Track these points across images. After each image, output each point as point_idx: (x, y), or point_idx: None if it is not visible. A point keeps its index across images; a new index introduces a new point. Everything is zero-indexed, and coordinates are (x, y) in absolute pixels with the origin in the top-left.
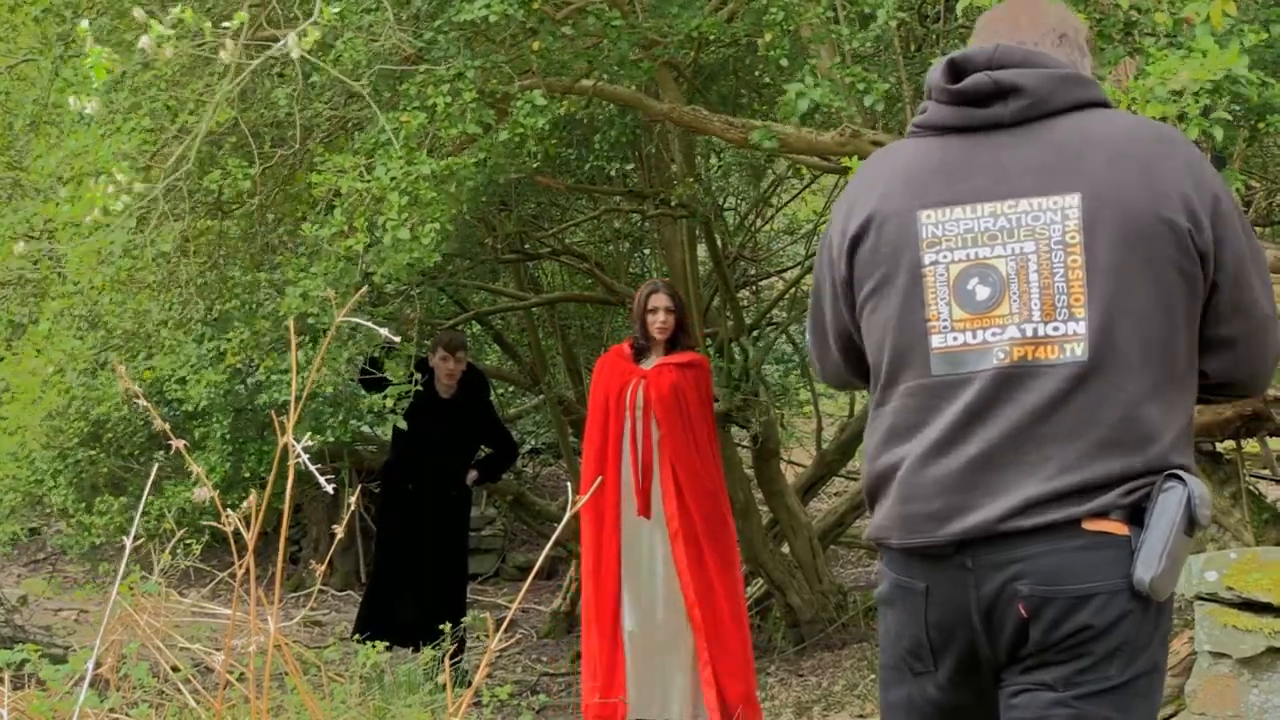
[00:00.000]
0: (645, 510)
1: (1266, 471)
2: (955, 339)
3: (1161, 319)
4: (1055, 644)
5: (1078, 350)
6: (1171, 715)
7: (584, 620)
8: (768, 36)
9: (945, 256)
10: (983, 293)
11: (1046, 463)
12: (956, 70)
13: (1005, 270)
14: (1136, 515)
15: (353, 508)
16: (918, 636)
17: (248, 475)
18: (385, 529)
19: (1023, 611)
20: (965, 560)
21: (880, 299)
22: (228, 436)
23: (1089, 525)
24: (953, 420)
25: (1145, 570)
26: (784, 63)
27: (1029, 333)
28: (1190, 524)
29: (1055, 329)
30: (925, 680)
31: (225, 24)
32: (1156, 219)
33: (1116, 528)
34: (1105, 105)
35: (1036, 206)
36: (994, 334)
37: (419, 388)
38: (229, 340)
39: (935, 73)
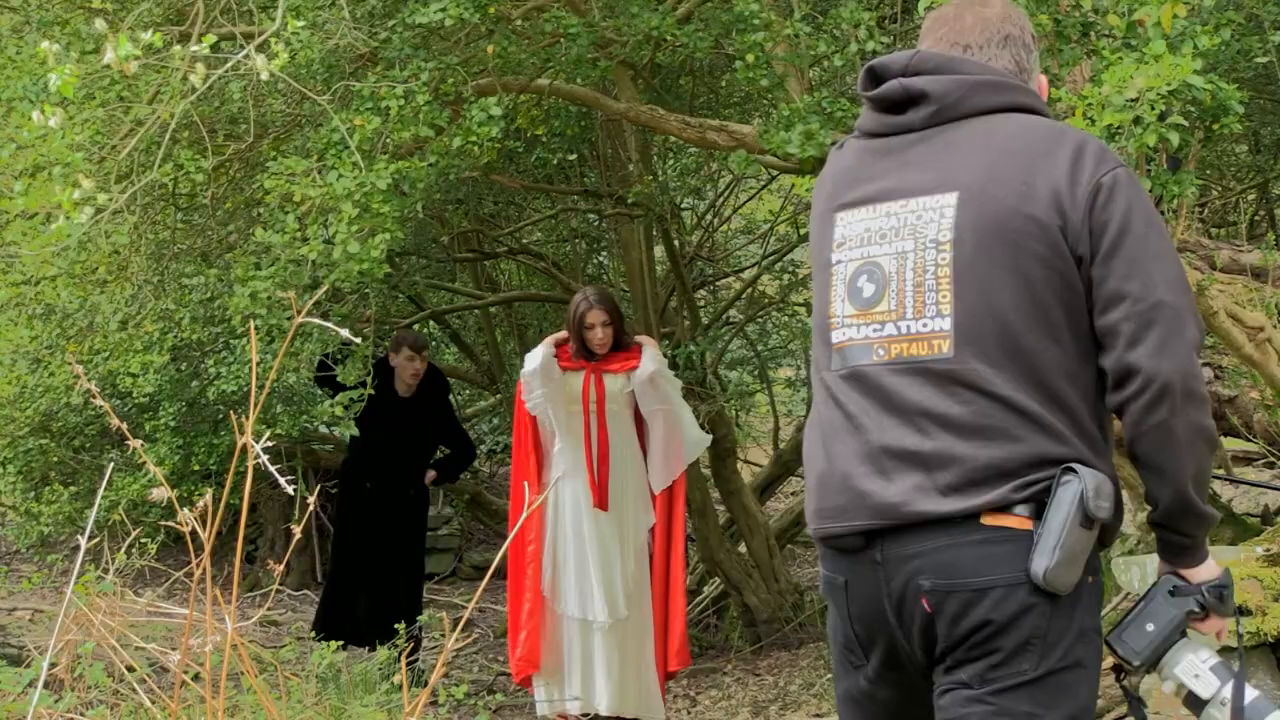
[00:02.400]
0: (603, 504)
1: (1221, 471)
2: (844, 335)
3: (1029, 314)
4: (963, 640)
5: (944, 348)
6: (1124, 715)
7: (524, 596)
8: (750, 58)
9: (846, 255)
10: (868, 289)
11: (934, 455)
12: (876, 77)
13: (888, 268)
14: (1043, 510)
15: (311, 507)
16: (846, 631)
17: (197, 468)
18: (343, 528)
19: (926, 605)
20: (875, 554)
21: (814, 295)
22: (176, 427)
23: (988, 520)
24: (848, 414)
25: (1040, 562)
26: (764, 83)
27: (904, 330)
28: (1085, 517)
29: (924, 325)
30: (860, 674)
31: (194, 48)
32: (1021, 216)
33: (1020, 523)
34: (1026, 110)
35: (920, 206)
36: (875, 330)
37: (372, 390)
38: (170, 333)
39: (860, 79)
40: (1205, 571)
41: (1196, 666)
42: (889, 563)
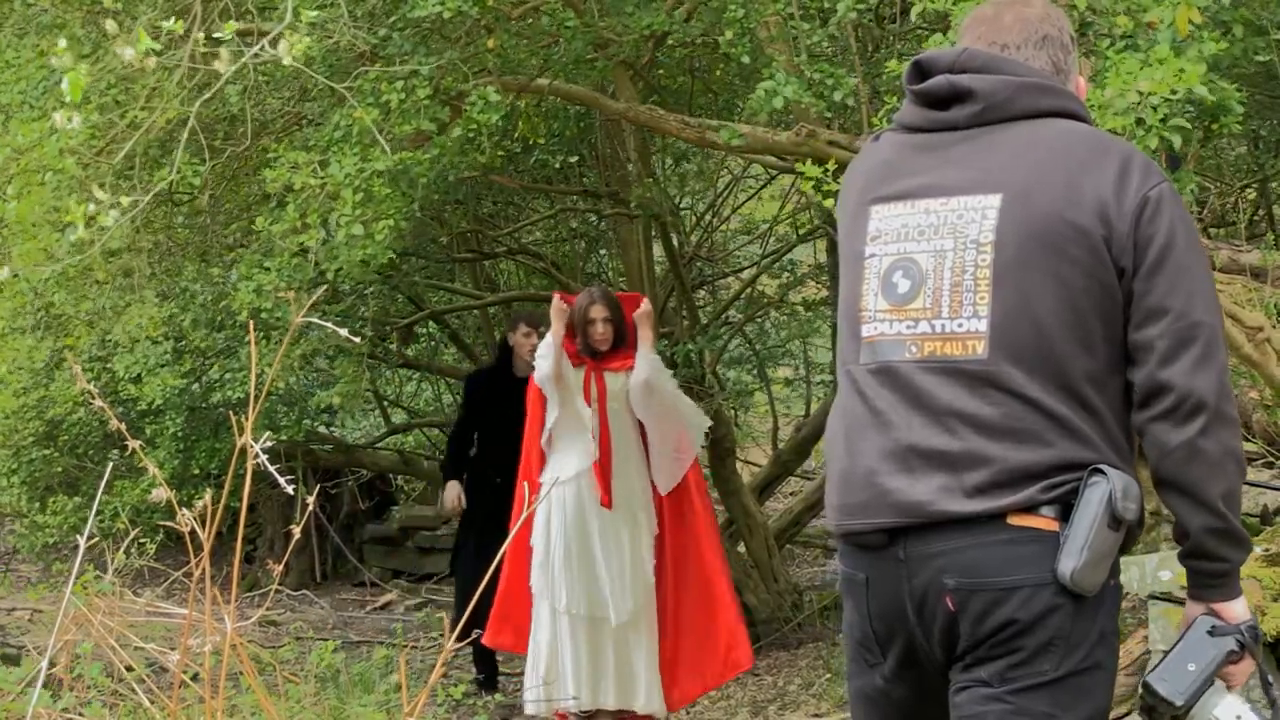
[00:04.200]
0: (608, 501)
1: None
2: (875, 329)
3: (1065, 321)
4: (985, 639)
5: (978, 349)
6: (1125, 715)
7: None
8: (728, 34)
9: (881, 249)
10: (903, 285)
11: (962, 456)
12: (922, 71)
13: (925, 266)
14: (1068, 511)
15: (310, 507)
16: (864, 628)
17: (197, 472)
18: (471, 523)
19: (949, 604)
20: (898, 552)
21: (841, 286)
22: (179, 434)
23: (1015, 520)
24: (875, 410)
25: (1067, 563)
26: (746, 60)
27: (938, 328)
28: (1113, 518)
29: (960, 325)
30: (875, 672)
31: (217, 35)
32: (1064, 222)
33: (1046, 523)
34: (1070, 115)
35: (962, 205)
36: (908, 327)
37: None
38: (180, 318)
39: (905, 72)
40: (1241, 608)
41: (1238, 708)
42: (912, 560)
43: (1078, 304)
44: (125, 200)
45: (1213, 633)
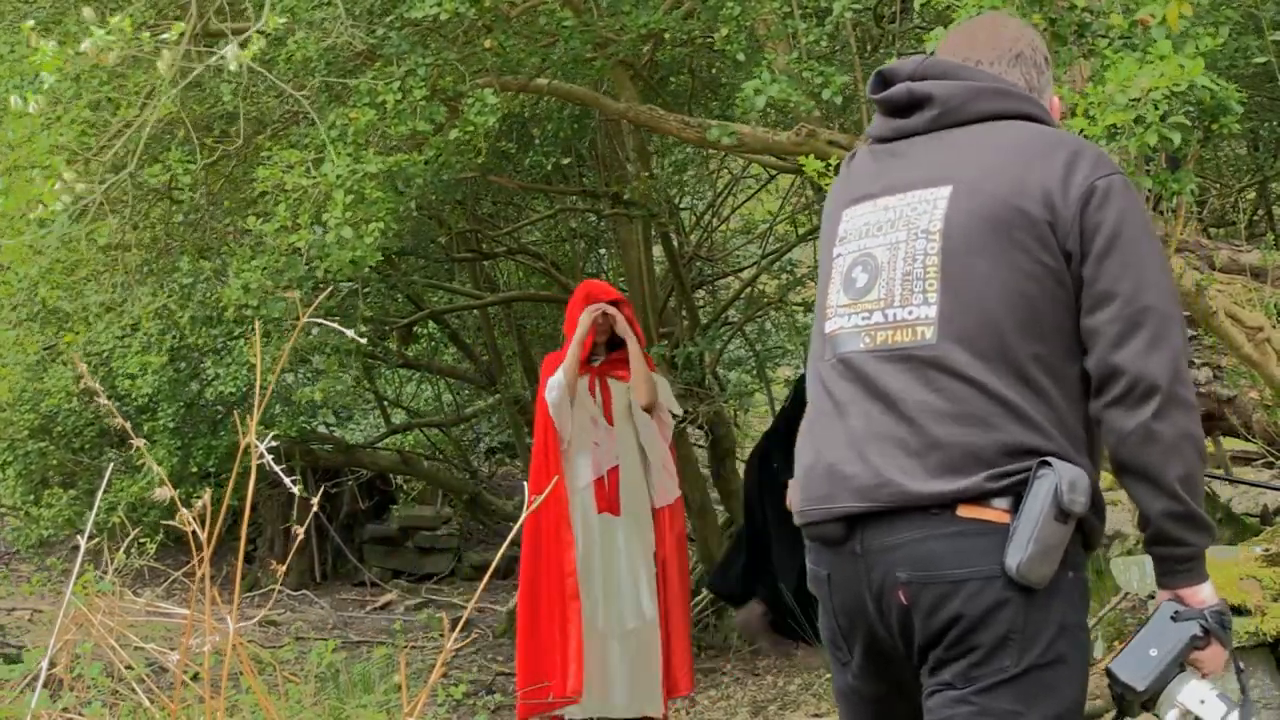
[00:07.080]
0: (614, 508)
1: (1220, 471)
2: (836, 324)
3: (1014, 306)
4: (939, 635)
5: (928, 334)
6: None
7: (534, 618)
8: (724, 31)
9: (846, 249)
10: (861, 279)
11: (914, 441)
12: (885, 82)
13: (881, 259)
14: (1020, 504)
15: (313, 508)
16: (831, 625)
17: (195, 470)
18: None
19: (902, 598)
20: (855, 546)
21: (818, 290)
22: (174, 429)
23: (965, 512)
24: (836, 402)
25: (1014, 555)
26: (740, 58)
27: (890, 317)
28: (1060, 511)
29: (910, 313)
30: (847, 669)
31: (163, 36)
32: (1011, 208)
33: (997, 516)
34: (1029, 119)
35: (916, 198)
36: (863, 318)
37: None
38: (169, 334)
39: (869, 83)
40: (1207, 593)
41: (1203, 693)
42: (869, 554)
43: (1026, 289)
44: (80, 187)
45: (1176, 618)
